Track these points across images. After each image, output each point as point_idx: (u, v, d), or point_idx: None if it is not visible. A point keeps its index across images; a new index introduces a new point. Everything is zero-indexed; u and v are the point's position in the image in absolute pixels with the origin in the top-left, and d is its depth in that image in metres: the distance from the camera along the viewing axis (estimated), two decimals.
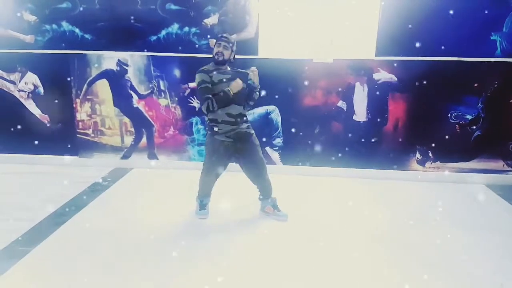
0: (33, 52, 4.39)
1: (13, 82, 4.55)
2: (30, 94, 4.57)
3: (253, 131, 3.22)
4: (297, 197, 3.83)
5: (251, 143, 3.18)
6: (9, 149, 4.73)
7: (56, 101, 4.55)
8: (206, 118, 3.14)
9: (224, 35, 3.11)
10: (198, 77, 3.02)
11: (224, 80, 3.02)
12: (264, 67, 4.18)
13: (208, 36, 4.19)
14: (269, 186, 3.36)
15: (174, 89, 4.37)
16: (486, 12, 3.86)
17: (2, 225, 3.16)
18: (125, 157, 4.62)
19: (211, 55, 3.13)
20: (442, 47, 3.97)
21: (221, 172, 3.27)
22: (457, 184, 4.22)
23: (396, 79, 4.11)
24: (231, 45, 3.09)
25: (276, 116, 4.37)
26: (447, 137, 4.20)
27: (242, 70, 3.20)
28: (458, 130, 4.18)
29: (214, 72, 3.03)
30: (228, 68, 3.14)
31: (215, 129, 3.08)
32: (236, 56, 4.11)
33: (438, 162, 4.29)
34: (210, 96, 2.97)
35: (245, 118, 3.16)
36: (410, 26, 3.94)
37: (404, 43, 4.00)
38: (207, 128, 3.19)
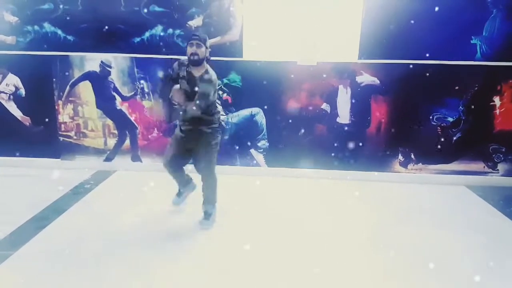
0: (14, 53, 4.33)
1: None
2: (11, 96, 4.50)
3: (210, 133, 3.10)
4: (282, 199, 3.84)
5: (200, 144, 3.11)
6: None
7: (38, 103, 4.48)
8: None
9: (195, 33, 2.98)
10: (174, 64, 3.13)
11: (181, 77, 3.04)
12: (249, 70, 4.21)
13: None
14: (205, 192, 3.26)
15: (157, 91, 4.35)
16: (466, 16, 3.93)
17: None
18: (108, 159, 4.58)
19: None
20: (424, 51, 4.02)
21: (178, 162, 3.24)
22: (439, 185, 4.28)
23: (378, 82, 4.16)
24: (204, 41, 2.94)
25: (261, 118, 4.38)
26: (429, 139, 4.26)
27: (206, 71, 3.03)
28: (439, 132, 4.25)
29: (183, 68, 3.02)
30: (206, 68, 3.00)
31: (179, 119, 3.16)
32: (221, 59, 4.15)
33: (420, 164, 4.35)
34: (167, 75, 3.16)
35: (205, 120, 3.06)
36: (392, 28, 3.98)
37: (386, 46, 4.05)
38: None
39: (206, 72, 3.00)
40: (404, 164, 4.37)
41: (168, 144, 3.29)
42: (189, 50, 2.91)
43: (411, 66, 4.07)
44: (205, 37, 2.99)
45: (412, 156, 4.34)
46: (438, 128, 4.24)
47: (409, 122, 4.25)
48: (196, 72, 3.00)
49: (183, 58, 3.08)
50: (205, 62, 3.01)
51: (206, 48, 2.96)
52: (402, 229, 3.27)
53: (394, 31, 4.00)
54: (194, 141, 3.13)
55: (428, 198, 3.96)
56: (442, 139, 4.26)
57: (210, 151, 3.13)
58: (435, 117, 4.22)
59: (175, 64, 3.09)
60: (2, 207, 3.51)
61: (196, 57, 2.90)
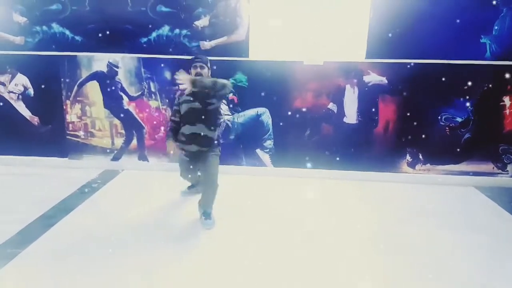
0: (23, 53, 4.37)
1: (3, 84, 4.53)
2: (20, 96, 4.55)
3: (209, 150, 3.26)
4: (287, 199, 3.83)
5: (204, 161, 3.26)
6: None
7: (46, 102, 4.52)
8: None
9: (197, 56, 3.29)
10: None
11: (186, 100, 3.21)
12: (255, 70, 4.21)
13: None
14: (209, 198, 3.29)
15: (164, 91, 4.36)
16: (476, 15, 3.88)
17: None
18: (115, 159, 4.61)
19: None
20: (432, 50, 3.98)
21: (191, 174, 3.52)
22: (447, 186, 4.23)
23: (386, 81, 4.13)
24: (206, 63, 3.23)
25: (267, 118, 4.37)
26: (437, 139, 4.22)
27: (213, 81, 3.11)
28: (448, 133, 4.20)
29: (184, 95, 3.23)
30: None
31: (179, 138, 3.30)
32: (227, 59, 4.16)
33: (428, 165, 4.31)
34: (173, 120, 3.31)
35: (201, 138, 3.19)
36: (399, 27, 3.95)
37: (394, 46, 4.01)
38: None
39: (213, 83, 3.15)
40: (412, 165, 4.33)
41: (179, 163, 3.52)
42: (193, 71, 3.20)
43: (411, 65, 4.03)
44: (207, 59, 3.29)
45: (420, 157, 4.30)
46: (447, 128, 4.20)
47: (417, 122, 4.20)
48: (197, 89, 3.13)
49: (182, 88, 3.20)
50: None
51: (208, 68, 3.26)
52: (409, 230, 3.24)
53: (402, 30, 3.96)
54: (197, 160, 3.33)
55: (436, 199, 3.92)
56: (451, 139, 4.21)
57: (210, 165, 3.27)
58: (443, 117, 4.18)
59: (176, 97, 3.34)
60: (11, 206, 3.55)
61: (200, 79, 3.11)
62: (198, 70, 3.19)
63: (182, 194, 3.80)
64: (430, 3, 3.89)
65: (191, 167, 3.41)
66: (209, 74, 3.29)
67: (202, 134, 3.17)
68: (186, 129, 3.21)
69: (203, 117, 3.16)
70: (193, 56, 3.35)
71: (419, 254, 2.86)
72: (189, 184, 3.81)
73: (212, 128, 3.21)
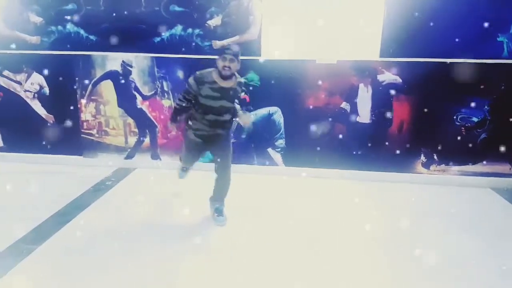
0: (39, 53, 4.44)
1: (19, 83, 4.61)
2: (35, 95, 4.62)
3: (227, 134, 3.21)
4: (299, 199, 3.81)
5: (220, 144, 3.18)
6: (14, 148, 4.78)
7: (61, 101, 4.59)
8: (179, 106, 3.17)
9: (230, 47, 2.97)
10: (189, 81, 3.02)
11: (212, 97, 2.98)
12: (267, 69, 4.20)
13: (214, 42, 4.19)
14: (223, 190, 3.28)
15: (177, 90, 4.38)
16: (492, 13, 3.80)
17: (7, 224, 3.20)
18: (128, 157, 4.65)
19: (214, 56, 3.10)
20: (448, 49, 3.91)
21: (195, 160, 3.45)
22: (462, 187, 4.16)
23: (400, 80, 4.07)
24: (237, 56, 2.94)
25: (279, 117, 4.36)
26: (452, 139, 4.15)
27: (239, 78, 3.13)
28: (464, 133, 4.13)
29: (206, 86, 2.96)
30: (231, 81, 3.02)
31: (190, 123, 3.16)
32: (239, 58, 4.14)
33: (443, 165, 4.24)
34: (183, 100, 3.08)
35: (223, 125, 3.13)
36: (414, 26, 3.89)
37: (409, 44, 3.95)
38: (185, 124, 3.25)
39: (239, 77, 3.12)
40: (426, 165, 4.26)
41: (184, 150, 3.38)
42: (221, 63, 2.91)
43: (426, 64, 3.97)
44: (238, 52, 2.97)
45: (435, 157, 4.23)
46: (462, 128, 4.12)
47: (432, 122, 4.14)
48: (226, 84, 3.00)
49: (198, 73, 3.02)
50: (233, 77, 3.04)
51: (238, 62, 2.97)
52: (423, 232, 3.19)
53: (416, 29, 3.91)
54: (211, 144, 3.20)
55: (451, 200, 3.85)
56: (466, 140, 4.13)
57: (228, 153, 3.20)
58: (459, 117, 4.11)
59: (193, 83, 2.99)
60: (27, 203, 3.61)
61: (228, 72, 2.92)
62: (227, 63, 2.89)
63: (181, 177, 3.70)
64: (445, 1, 3.83)
65: (199, 152, 3.30)
66: (239, 68, 3.01)
67: (224, 120, 3.10)
68: (211, 117, 3.06)
69: (228, 111, 3.10)
70: (224, 47, 3.08)
71: (432, 257, 2.80)
72: (183, 166, 3.65)
73: (232, 116, 3.16)
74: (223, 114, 3.07)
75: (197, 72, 3.01)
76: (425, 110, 4.11)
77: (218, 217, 3.24)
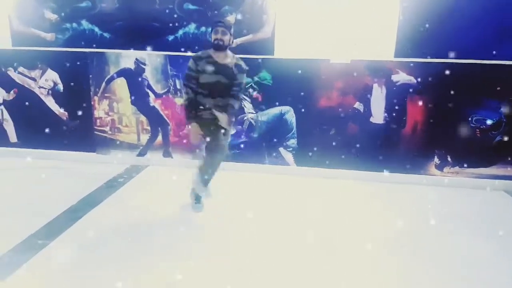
0: (53, 50, 4.48)
1: (33, 79, 4.65)
2: (50, 91, 4.67)
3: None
4: (309, 200, 3.79)
5: (219, 131, 3.19)
6: (28, 144, 4.83)
7: (75, 98, 4.62)
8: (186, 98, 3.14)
9: (221, 20, 3.08)
10: (189, 63, 3.09)
11: (208, 71, 3.03)
12: (280, 68, 4.18)
13: None
14: (208, 176, 3.26)
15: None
16: (508, 13, 3.74)
17: (20, 219, 3.23)
18: (140, 154, 4.67)
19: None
20: (463, 49, 3.86)
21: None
22: (476, 190, 4.11)
23: (415, 81, 4.03)
24: (229, 29, 3.02)
25: (291, 117, 4.34)
26: (467, 141, 4.10)
27: (238, 60, 3.17)
28: (478, 135, 4.07)
29: (203, 61, 3.03)
30: (228, 54, 3.09)
31: (199, 113, 3.13)
32: (252, 56, 4.15)
33: (457, 167, 4.19)
34: (188, 84, 3.07)
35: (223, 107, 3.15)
36: (429, 26, 3.85)
37: (424, 45, 3.91)
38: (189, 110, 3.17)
39: (238, 59, 3.14)
40: (440, 167, 4.21)
41: (203, 137, 3.23)
42: (214, 36, 3.00)
43: (441, 64, 3.92)
44: (230, 24, 3.06)
45: (449, 159, 4.18)
46: (477, 130, 4.07)
47: (446, 124, 4.09)
48: (222, 59, 3.05)
49: (195, 54, 3.11)
50: (228, 49, 3.11)
51: (231, 35, 3.04)
52: (435, 235, 3.15)
53: (432, 29, 3.86)
54: (210, 127, 3.17)
55: (464, 203, 3.80)
56: (481, 142, 4.07)
57: (227, 132, 3.26)
58: (474, 119, 4.05)
59: (191, 63, 3.08)
60: (40, 198, 3.65)
61: (221, 42, 2.99)
62: (219, 35, 2.98)
63: (198, 210, 3.42)
64: (461, 1, 3.77)
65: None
66: (232, 41, 3.09)
67: (227, 103, 3.15)
68: (216, 97, 3.10)
69: (227, 88, 3.12)
70: (215, 20, 3.17)
71: (444, 260, 2.77)
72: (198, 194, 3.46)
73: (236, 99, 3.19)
74: (224, 95, 3.10)
75: (194, 54, 3.11)
76: (439, 111, 4.06)
77: (196, 204, 3.31)
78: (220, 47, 3.01)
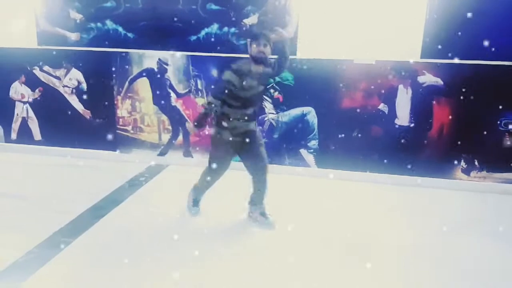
0: (78, 49, 4.54)
1: (58, 78, 4.73)
2: (73, 90, 4.73)
3: (257, 128, 3.16)
4: (329, 202, 3.72)
5: (255, 141, 3.09)
6: (51, 142, 4.92)
7: (98, 97, 4.68)
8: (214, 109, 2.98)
9: (263, 32, 2.98)
10: (228, 74, 2.91)
11: (253, 86, 2.92)
12: (302, 68, 4.13)
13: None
14: (262, 191, 3.18)
15: (211, 88, 4.38)
16: None
17: (44, 217, 3.29)
18: (161, 154, 4.69)
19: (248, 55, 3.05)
20: (493, 50, 3.74)
21: (227, 168, 3.15)
22: (504, 195, 3.97)
23: (442, 82, 3.93)
24: (270, 41, 2.93)
25: (312, 117, 4.29)
26: (495, 145, 3.97)
27: (272, 60, 3.11)
28: (507, 139, 3.94)
29: (248, 76, 2.88)
30: (262, 66, 3.00)
31: (224, 124, 2.98)
32: (274, 56, 4.11)
33: (485, 172, 4.06)
34: (218, 101, 2.92)
35: (255, 117, 3.10)
36: (458, 26, 3.74)
37: (451, 45, 3.80)
38: (214, 122, 3.07)
39: (269, 63, 3.07)
40: (466, 171, 4.09)
41: (217, 160, 3.11)
42: (257, 48, 2.88)
43: (469, 66, 3.81)
44: (270, 36, 2.95)
45: (476, 163, 4.06)
46: (506, 134, 3.94)
47: (474, 127, 3.97)
48: (261, 70, 2.97)
49: (234, 66, 2.95)
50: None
51: (270, 46, 2.95)
52: (460, 240, 3.05)
53: (460, 29, 3.75)
54: (245, 144, 3.06)
55: (491, 209, 3.69)
56: (510, 146, 3.94)
57: (263, 146, 3.13)
58: (503, 122, 3.93)
59: (232, 77, 2.89)
60: (64, 196, 3.70)
61: (263, 56, 2.90)
62: (262, 48, 2.87)
63: (194, 214, 3.35)
64: (490, 0, 3.66)
65: (232, 156, 3.10)
66: (270, 53, 2.97)
67: (255, 110, 3.08)
68: (250, 110, 3.00)
69: (261, 95, 3.11)
70: (259, 32, 3.07)
71: (472, 269, 2.69)
72: (196, 197, 3.39)
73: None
74: (255, 104, 3.04)
75: (233, 66, 2.94)
76: (467, 113, 3.95)
77: (267, 220, 3.17)
78: (261, 60, 2.92)
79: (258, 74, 2.94)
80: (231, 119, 2.97)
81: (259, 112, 3.19)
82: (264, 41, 2.88)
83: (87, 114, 4.76)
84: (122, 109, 4.65)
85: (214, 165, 3.11)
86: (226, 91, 2.92)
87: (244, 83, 2.87)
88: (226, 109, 2.97)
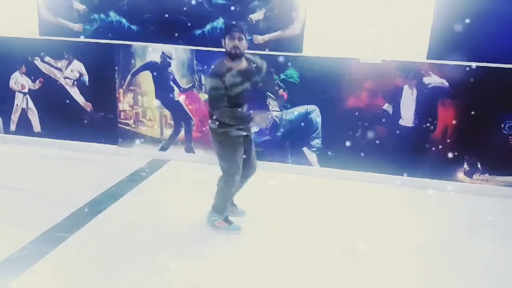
0: (80, 40, 4.48)
1: (59, 69, 4.67)
2: (75, 82, 4.67)
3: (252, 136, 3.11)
4: (331, 202, 3.71)
5: (251, 143, 3.06)
6: (51, 134, 4.86)
7: (100, 90, 4.62)
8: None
9: (235, 24, 2.70)
10: (210, 81, 2.71)
11: (236, 83, 2.73)
12: (308, 65, 4.10)
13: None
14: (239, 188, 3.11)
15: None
16: None
17: (42, 210, 3.25)
18: (163, 149, 4.65)
19: (254, 51, 2.99)
20: (499, 53, 3.72)
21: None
22: (507, 199, 3.96)
23: (447, 84, 3.90)
24: (245, 32, 2.70)
25: (316, 116, 4.26)
26: (498, 148, 3.95)
27: (253, 60, 2.94)
28: (511, 142, 3.92)
29: (227, 75, 2.69)
30: (243, 61, 2.81)
31: (231, 123, 2.81)
32: (280, 53, 4.07)
33: (487, 175, 4.05)
34: (225, 106, 2.71)
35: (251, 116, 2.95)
36: (465, 27, 3.70)
37: (458, 47, 3.77)
38: (217, 125, 2.85)
39: (250, 59, 2.91)
40: (469, 174, 4.08)
41: (233, 155, 2.88)
42: (231, 43, 2.66)
43: (474, 68, 3.78)
44: (245, 28, 2.74)
45: (479, 166, 4.05)
46: (510, 137, 3.92)
47: (477, 129, 3.95)
48: (242, 66, 2.79)
49: (211, 71, 2.80)
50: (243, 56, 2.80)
51: (246, 39, 2.73)
52: (461, 244, 3.05)
53: (467, 30, 3.72)
54: (247, 136, 2.99)
55: (493, 212, 3.66)
56: None
57: (256, 153, 3.16)
58: (507, 125, 3.91)
59: (215, 82, 2.69)
60: (62, 189, 3.66)
61: (238, 51, 2.67)
62: (236, 42, 2.63)
63: (234, 229, 3.06)
64: (498, 2, 3.63)
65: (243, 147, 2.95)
66: (247, 45, 2.76)
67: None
68: (245, 107, 2.90)
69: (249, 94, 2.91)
70: (229, 24, 2.75)
71: (473, 273, 2.67)
72: (225, 217, 3.12)
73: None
74: (248, 101, 2.91)
75: (211, 70, 2.79)
76: (471, 116, 3.92)
77: (230, 226, 3.04)
78: (236, 56, 2.70)
79: (239, 71, 2.76)
80: (238, 117, 2.83)
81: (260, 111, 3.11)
82: (237, 34, 2.64)
83: (88, 106, 4.71)
84: (124, 103, 4.60)
85: (235, 164, 2.90)
86: (222, 97, 2.71)
87: (226, 83, 2.68)
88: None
